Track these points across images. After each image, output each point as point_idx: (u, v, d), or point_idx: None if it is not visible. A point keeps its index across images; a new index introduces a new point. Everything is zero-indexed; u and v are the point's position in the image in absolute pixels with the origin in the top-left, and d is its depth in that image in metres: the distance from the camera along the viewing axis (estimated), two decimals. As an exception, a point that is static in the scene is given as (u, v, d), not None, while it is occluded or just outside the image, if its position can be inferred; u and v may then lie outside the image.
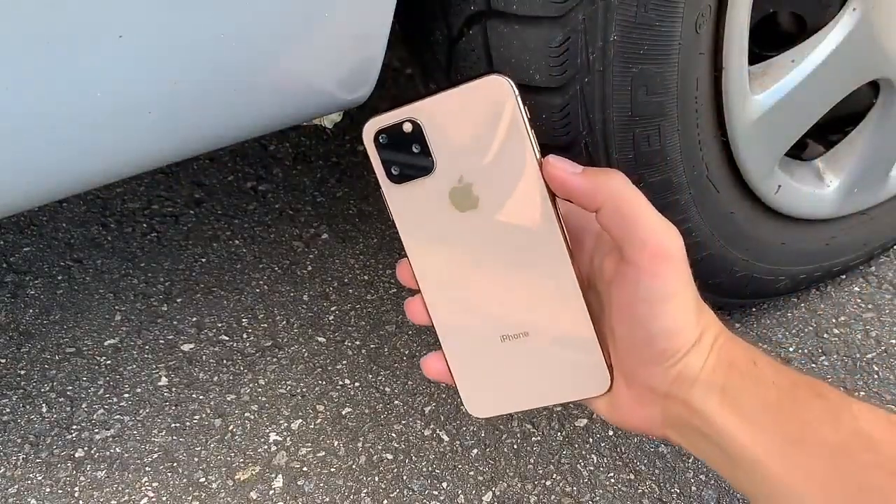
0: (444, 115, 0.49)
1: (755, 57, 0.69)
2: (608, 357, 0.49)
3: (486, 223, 0.49)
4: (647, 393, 0.47)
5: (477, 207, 0.49)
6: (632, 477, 0.72)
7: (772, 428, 0.44)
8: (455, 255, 0.50)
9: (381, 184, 0.50)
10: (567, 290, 0.49)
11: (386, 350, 0.85)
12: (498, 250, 0.50)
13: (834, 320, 0.89)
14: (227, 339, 0.87)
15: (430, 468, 0.74)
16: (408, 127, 0.49)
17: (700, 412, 0.45)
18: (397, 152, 0.49)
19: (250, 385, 0.82)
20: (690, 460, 0.73)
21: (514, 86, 0.48)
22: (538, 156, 0.48)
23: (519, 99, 0.48)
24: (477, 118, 0.49)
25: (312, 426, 0.78)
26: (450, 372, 0.52)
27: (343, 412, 0.79)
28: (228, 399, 0.80)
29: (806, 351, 0.86)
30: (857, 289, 0.92)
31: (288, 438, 0.76)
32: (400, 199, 0.50)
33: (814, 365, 0.85)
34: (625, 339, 0.47)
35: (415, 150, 0.49)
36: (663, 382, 0.46)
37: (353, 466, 0.74)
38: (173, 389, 0.81)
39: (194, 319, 0.89)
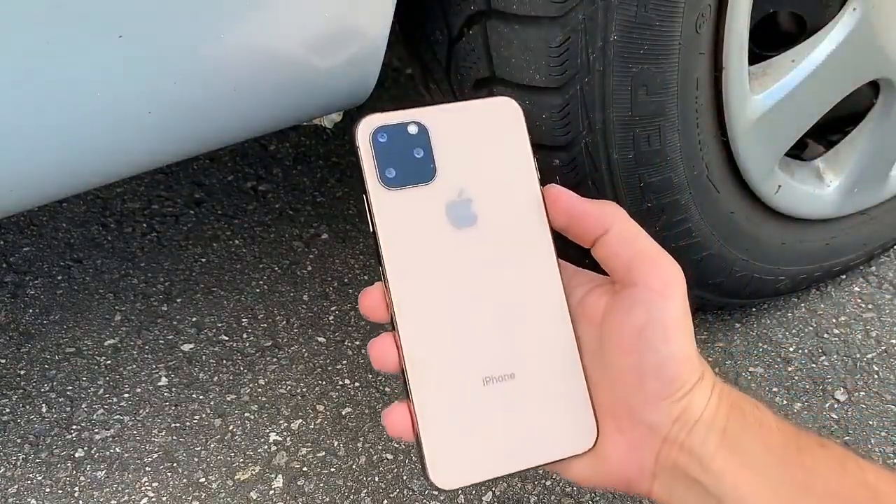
0: (451, 124, 0.46)
1: (755, 57, 0.69)
2: (594, 407, 0.46)
3: (482, 244, 0.46)
4: (644, 437, 0.44)
5: (474, 226, 0.46)
6: (632, 477, 0.72)
7: (775, 473, 0.42)
8: (443, 276, 0.45)
9: (368, 188, 0.45)
10: (559, 328, 0.46)
11: (386, 350, 0.85)
12: (490, 276, 0.46)
13: (834, 320, 0.89)
14: (227, 339, 0.87)
15: (430, 468, 0.74)
16: (413, 129, 0.46)
17: (699, 456, 0.43)
18: (396, 155, 0.45)
19: (250, 385, 0.82)
20: (690, 460, 0.73)
21: (521, 110, 0.47)
22: (539, 184, 0.47)
23: (525, 124, 0.47)
24: (484, 134, 0.47)
25: (312, 426, 0.78)
26: (414, 427, 0.44)
27: (343, 412, 0.79)
28: (228, 399, 0.80)
29: (806, 351, 0.86)
30: (857, 289, 0.92)
31: (288, 438, 0.76)
32: (388, 208, 0.45)
33: (814, 365, 0.85)
34: (628, 371, 0.44)
35: (416, 154, 0.45)
36: (666, 420, 0.43)
37: (353, 466, 0.74)
38: (173, 389, 0.81)
39: (194, 319, 0.89)
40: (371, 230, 0.45)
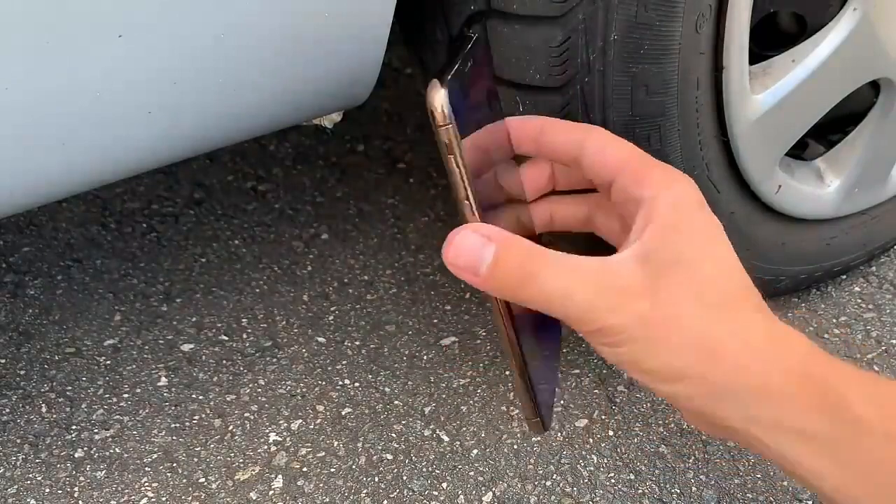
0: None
1: (755, 57, 0.69)
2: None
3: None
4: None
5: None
6: (632, 477, 0.72)
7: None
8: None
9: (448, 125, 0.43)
10: None
11: (386, 350, 0.85)
12: None
13: (834, 320, 0.89)
14: (226, 339, 0.87)
15: (430, 468, 0.74)
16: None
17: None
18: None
19: (250, 385, 0.82)
20: (690, 460, 0.73)
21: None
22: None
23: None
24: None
25: (312, 426, 0.78)
26: (526, 380, 0.49)
27: (343, 412, 0.79)
28: (228, 399, 0.80)
29: (806, 351, 0.86)
30: (857, 289, 0.92)
31: (288, 439, 0.76)
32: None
33: (814, 365, 0.85)
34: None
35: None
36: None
37: (353, 467, 0.74)
38: (173, 389, 0.81)
39: (194, 319, 0.89)
40: (456, 168, 0.44)
